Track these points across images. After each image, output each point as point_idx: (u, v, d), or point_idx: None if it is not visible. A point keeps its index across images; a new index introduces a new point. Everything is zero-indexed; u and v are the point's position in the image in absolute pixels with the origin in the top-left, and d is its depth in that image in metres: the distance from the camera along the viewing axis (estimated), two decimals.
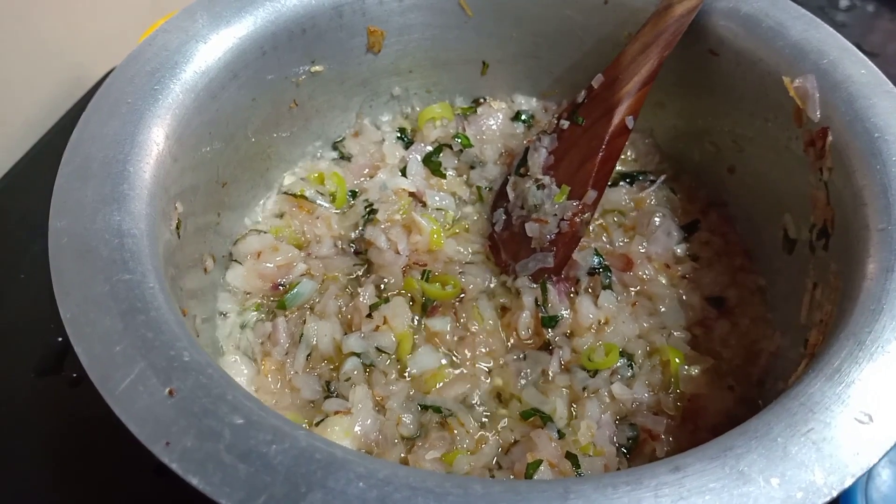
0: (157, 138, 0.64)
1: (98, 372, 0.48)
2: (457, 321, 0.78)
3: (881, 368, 0.50)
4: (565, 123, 0.85)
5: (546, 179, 0.82)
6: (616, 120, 0.79)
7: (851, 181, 0.64)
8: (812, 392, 0.49)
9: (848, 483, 0.45)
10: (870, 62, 0.71)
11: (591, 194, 0.79)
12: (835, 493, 0.45)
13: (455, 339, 0.77)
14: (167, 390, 0.47)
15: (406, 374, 0.75)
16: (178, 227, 0.67)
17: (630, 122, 0.80)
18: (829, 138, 0.68)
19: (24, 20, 1.10)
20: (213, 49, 0.73)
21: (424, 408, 0.72)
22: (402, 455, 0.68)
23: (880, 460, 0.74)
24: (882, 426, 0.47)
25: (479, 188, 0.92)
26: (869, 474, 0.75)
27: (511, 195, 0.86)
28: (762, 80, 0.76)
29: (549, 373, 0.74)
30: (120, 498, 0.75)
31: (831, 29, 0.75)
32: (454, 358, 0.77)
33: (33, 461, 0.77)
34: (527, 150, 0.88)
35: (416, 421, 0.71)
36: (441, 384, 0.74)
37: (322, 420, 0.69)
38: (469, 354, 0.76)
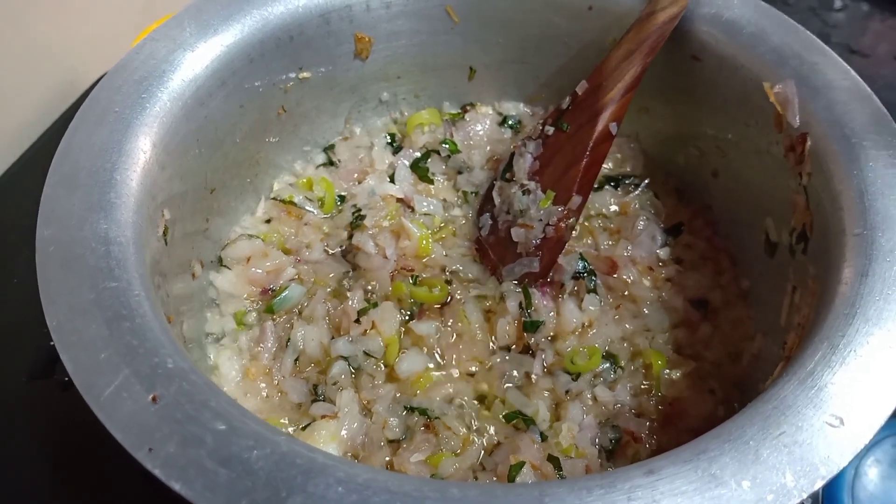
0: (144, 146, 0.65)
1: (83, 379, 0.49)
2: (444, 324, 0.79)
3: (853, 372, 0.51)
4: (550, 129, 0.85)
5: (531, 185, 0.83)
6: (600, 126, 0.80)
7: (829, 186, 0.65)
8: (785, 395, 0.50)
9: (818, 485, 0.46)
10: (849, 68, 0.72)
11: (576, 199, 0.80)
12: (805, 496, 0.45)
13: (441, 342, 0.78)
14: (150, 397, 0.48)
15: (393, 378, 0.76)
16: (165, 234, 0.68)
17: (614, 129, 0.81)
18: (809, 143, 0.69)
19: (16, 24, 1.10)
20: (200, 57, 0.73)
21: (410, 410, 0.73)
22: (388, 458, 0.69)
23: (864, 460, 0.76)
24: (852, 429, 0.48)
25: (464, 193, 0.93)
26: (856, 473, 0.76)
27: (497, 200, 0.87)
28: (744, 86, 0.77)
29: (533, 376, 0.75)
30: (110, 501, 0.76)
31: (812, 35, 0.76)
32: (440, 361, 0.77)
33: (25, 464, 0.78)
34: (512, 155, 0.89)
35: (401, 424, 0.72)
36: (427, 386, 0.75)
37: (309, 424, 0.70)
38: (455, 357, 0.77)
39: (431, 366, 0.77)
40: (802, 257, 0.69)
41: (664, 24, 0.79)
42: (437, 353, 0.78)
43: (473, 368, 0.77)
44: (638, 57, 0.79)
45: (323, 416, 0.70)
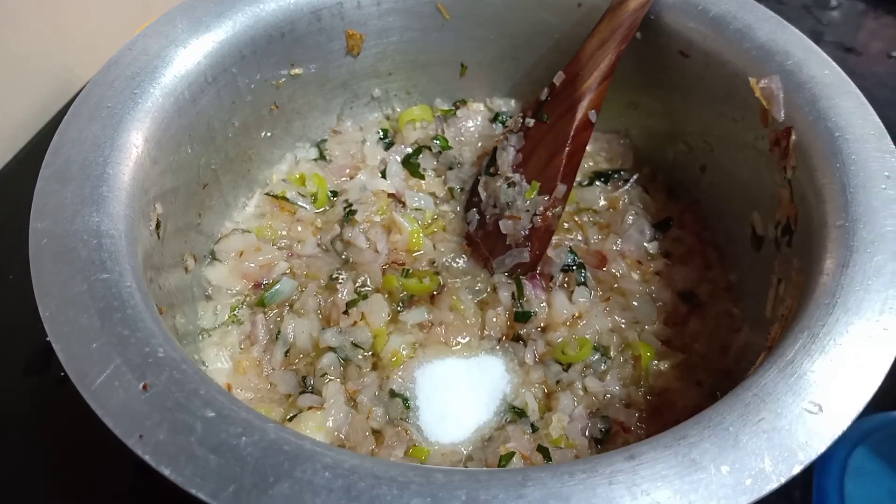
0: (136, 141, 0.66)
1: (75, 368, 0.50)
2: (434, 310, 0.80)
3: (832, 361, 0.52)
4: (531, 121, 0.87)
5: (516, 177, 0.85)
6: (580, 114, 0.81)
7: (813, 179, 0.66)
8: (765, 383, 0.51)
9: (796, 470, 0.47)
10: (833, 63, 0.73)
11: (561, 188, 0.82)
12: (783, 480, 0.46)
13: (430, 327, 0.79)
14: (141, 385, 0.49)
15: (376, 365, 0.77)
16: (157, 228, 0.69)
17: (593, 116, 0.82)
18: (793, 138, 0.70)
19: (11, 24, 1.11)
20: (192, 53, 0.74)
21: (393, 395, 0.74)
22: (373, 448, 0.70)
23: (853, 453, 0.76)
24: (830, 416, 0.49)
25: (450, 189, 0.94)
26: (845, 466, 0.76)
27: (483, 195, 0.88)
28: (731, 81, 0.78)
29: (524, 364, 0.77)
30: (105, 492, 0.77)
31: (797, 31, 0.77)
32: (426, 342, 0.79)
33: (21, 458, 0.78)
34: (495, 149, 0.90)
35: (385, 414, 0.72)
36: (412, 358, 0.76)
37: (296, 415, 0.71)
38: (443, 339, 0.78)
39: (415, 341, 0.78)
40: (787, 250, 0.70)
41: (635, 12, 0.80)
42: (425, 334, 0.79)
43: (463, 341, 0.78)
44: (612, 45, 0.80)
45: (310, 408, 0.71)
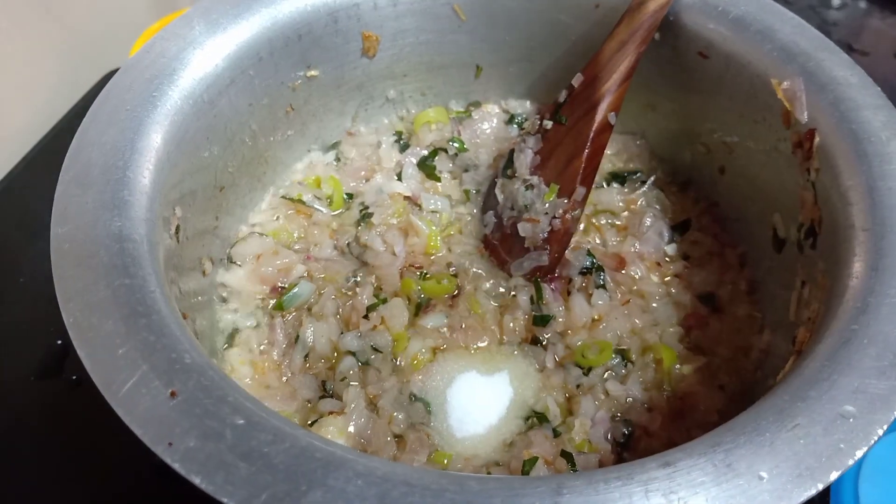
0: (155, 144, 0.65)
1: (101, 375, 0.49)
2: (452, 314, 0.79)
3: (865, 365, 0.51)
4: (548, 124, 0.86)
5: (534, 179, 0.84)
6: (599, 117, 0.80)
7: (838, 182, 0.66)
8: (798, 389, 0.51)
9: (833, 477, 0.46)
10: (856, 64, 0.72)
11: (580, 191, 0.81)
12: (820, 487, 0.46)
13: (449, 331, 0.79)
14: (169, 392, 0.48)
15: (397, 370, 0.76)
16: (177, 232, 0.68)
17: (612, 119, 0.81)
18: (817, 139, 0.69)
19: (20, 23, 1.10)
20: (210, 55, 0.74)
21: (413, 400, 0.73)
22: (395, 453, 0.69)
23: (870, 453, 0.76)
24: (865, 421, 0.48)
25: (466, 191, 0.93)
26: (861, 466, 0.76)
27: (500, 197, 0.87)
28: (751, 83, 0.77)
29: (544, 368, 0.76)
30: (120, 498, 0.76)
31: (818, 32, 0.76)
32: (446, 346, 0.78)
33: (34, 463, 0.78)
34: (512, 151, 0.89)
35: (407, 419, 0.72)
36: (432, 362, 0.76)
37: (316, 420, 0.70)
38: (462, 343, 0.78)
39: (434, 345, 0.78)
40: (811, 252, 0.70)
41: (655, 14, 0.79)
42: (445, 339, 0.78)
43: (482, 344, 0.78)
44: (631, 47, 0.80)
45: (330, 413, 0.71)
